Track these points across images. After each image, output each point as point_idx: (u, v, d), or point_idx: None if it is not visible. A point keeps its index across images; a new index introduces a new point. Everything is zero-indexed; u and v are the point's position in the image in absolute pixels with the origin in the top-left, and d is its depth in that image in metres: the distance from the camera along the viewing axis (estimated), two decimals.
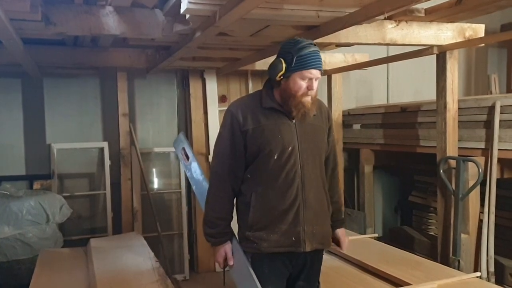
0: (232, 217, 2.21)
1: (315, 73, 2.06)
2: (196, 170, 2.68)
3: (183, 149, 2.83)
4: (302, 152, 2.12)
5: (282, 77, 2.06)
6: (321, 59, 2.09)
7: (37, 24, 2.66)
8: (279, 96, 2.13)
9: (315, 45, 2.09)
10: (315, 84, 2.08)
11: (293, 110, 2.08)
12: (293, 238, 2.10)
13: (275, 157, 2.08)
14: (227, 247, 2.19)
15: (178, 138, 2.96)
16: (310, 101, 2.09)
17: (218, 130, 2.23)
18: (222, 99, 4.97)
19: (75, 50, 4.03)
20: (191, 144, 4.85)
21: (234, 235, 2.24)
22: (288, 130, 2.12)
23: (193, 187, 2.71)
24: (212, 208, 2.18)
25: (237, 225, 2.26)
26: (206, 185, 2.48)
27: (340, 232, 2.38)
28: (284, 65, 2.04)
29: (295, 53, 2.03)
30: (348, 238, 2.45)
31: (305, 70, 2.03)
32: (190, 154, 2.77)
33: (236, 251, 2.20)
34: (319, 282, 2.32)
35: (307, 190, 2.12)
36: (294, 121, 2.14)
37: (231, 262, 2.20)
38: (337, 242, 2.39)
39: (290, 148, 2.10)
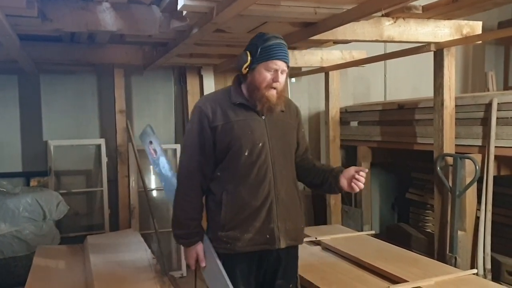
0: (202, 216, 2.15)
1: (280, 64, 2.04)
2: (164, 166, 2.57)
3: (151, 142, 2.70)
4: (273, 148, 2.10)
5: (247, 69, 2.05)
6: (287, 52, 2.07)
7: (33, 20, 2.65)
8: (246, 90, 2.10)
9: (282, 39, 2.08)
10: (281, 77, 2.06)
11: (258, 104, 2.06)
12: (267, 236, 2.07)
13: (246, 154, 2.05)
14: (199, 248, 2.13)
15: (144, 130, 2.79)
16: (276, 95, 2.06)
17: (186, 127, 2.18)
18: None
19: (72, 47, 4.01)
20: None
21: (205, 234, 2.16)
22: (258, 126, 2.09)
23: (162, 184, 2.60)
24: (181, 208, 2.11)
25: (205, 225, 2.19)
26: (175, 181, 2.37)
27: (347, 170, 2.12)
28: (249, 56, 2.04)
29: (260, 44, 2.03)
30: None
31: (270, 61, 2.01)
32: (158, 148, 2.65)
33: (207, 252, 2.13)
34: (297, 278, 2.29)
35: (279, 186, 2.09)
36: (263, 117, 2.11)
37: (203, 264, 2.14)
38: (350, 174, 2.08)
39: (260, 144, 2.07)
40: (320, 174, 2.21)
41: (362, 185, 2.05)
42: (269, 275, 2.17)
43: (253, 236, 2.06)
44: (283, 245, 2.10)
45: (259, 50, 2.01)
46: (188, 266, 2.25)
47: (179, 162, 2.18)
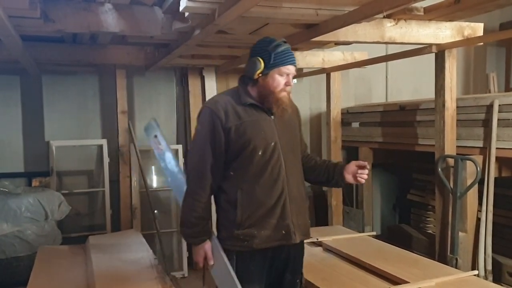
0: (211, 215, 2.21)
1: (292, 69, 2.14)
2: (170, 161, 2.55)
3: (156, 136, 2.66)
4: (283, 147, 2.18)
5: (260, 74, 2.12)
6: (294, 55, 2.17)
7: (35, 21, 2.65)
8: (257, 93, 2.17)
9: (288, 43, 2.17)
10: (292, 80, 2.17)
11: (274, 107, 2.14)
12: (283, 232, 2.15)
13: (260, 153, 2.12)
14: (207, 247, 2.19)
15: (149, 124, 2.75)
16: (287, 97, 2.17)
17: (196, 128, 2.21)
18: None
19: (74, 47, 4.02)
20: (187, 140, 4.86)
21: (213, 233, 2.22)
22: (268, 126, 2.17)
23: (168, 179, 2.58)
24: (191, 208, 2.15)
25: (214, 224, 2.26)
26: (181, 178, 2.41)
27: (349, 165, 2.27)
28: (262, 63, 2.10)
29: (272, 50, 2.09)
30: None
31: (283, 66, 2.11)
32: (163, 142, 2.63)
33: (215, 250, 2.18)
34: (302, 273, 2.37)
35: (291, 184, 2.18)
36: (273, 117, 2.19)
37: (211, 262, 2.19)
38: (353, 170, 2.26)
39: (273, 144, 2.15)
40: (324, 172, 2.35)
41: (366, 177, 2.26)
42: (278, 271, 2.25)
43: (270, 232, 2.13)
44: (298, 239, 2.19)
45: (272, 57, 2.08)
46: (194, 265, 2.30)
47: (188, 162, 2.22)
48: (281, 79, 2.12)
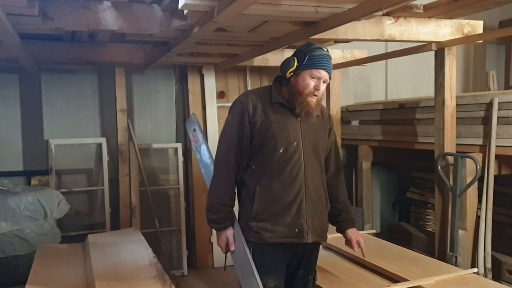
0: (234, 204, 2.30)
1: (324, 74, 2.17)
2: (205, 153, 2.74)
3: (194, 130, 2.88)
4: (305, 148, 2.24)
5: (292, 73, 2.18)
6: (331, 64, 2.21)
7: (34, 19, 2.64)
8: (287, 93, 2.23)
9: (327, 51, 2.21)
10: (322, 86, 2.20)
11: (297, 107, 2.19)
12: (296, 230, 2.21)
13: (281, 151, 2.18)
14: (229, 233, 2.28)
15: (190, 118, 2.99)
16: (315, 102, 2.20)
17: (226, 119, 2.30)
18: (220, 95, 4.96)
19: (73, 45, 4.01)
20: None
21: (236, 220, 2.31)
22: (294, 126, 2.23)
23: (202, 170, 2.76)
24: (216, 194, 2.25)
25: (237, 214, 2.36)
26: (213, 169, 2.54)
27: (351, 232, 2.46)
28: (296, 62, 2.17)
29: (308, 52, 2.16)
30: (361, 238, 2.47)
31: (315, 69, 2.15)
32: (200, 136, 2.82)
33: (237, 237, 2.28)
34: (315, 270, 2.46)
35: (309, 184, 2.23)
36: (299, 118, 2.24)
37: (232, 248, 2.28)
38: (349, 243, 2.47)
39: (295, 144, 2.21)
40: (335, 212, 2.46)
41: (355, 250, 2.49)
42: (292, 266, 2.33)
43: (283, 229, 2.20)
44: (310, 240, 2.24)
45: (306, 58, 2.15)
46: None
47: (217, 150, 2.31)
48: (311, 82, 2.16)
